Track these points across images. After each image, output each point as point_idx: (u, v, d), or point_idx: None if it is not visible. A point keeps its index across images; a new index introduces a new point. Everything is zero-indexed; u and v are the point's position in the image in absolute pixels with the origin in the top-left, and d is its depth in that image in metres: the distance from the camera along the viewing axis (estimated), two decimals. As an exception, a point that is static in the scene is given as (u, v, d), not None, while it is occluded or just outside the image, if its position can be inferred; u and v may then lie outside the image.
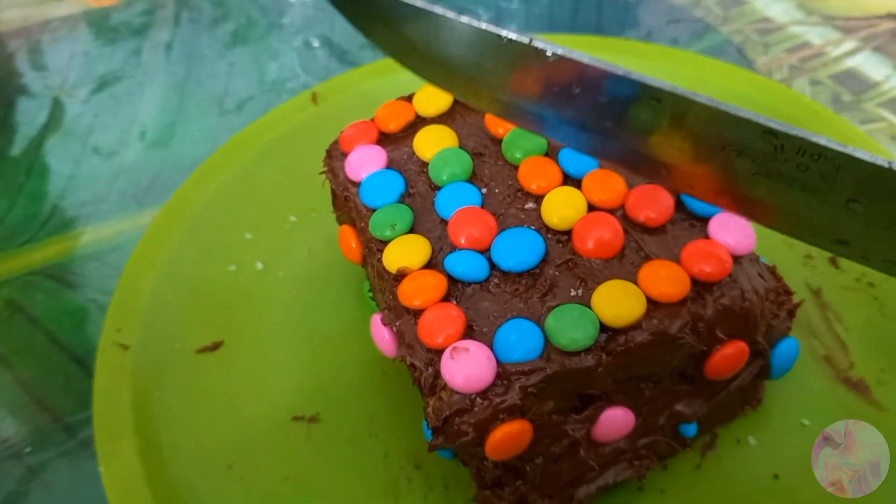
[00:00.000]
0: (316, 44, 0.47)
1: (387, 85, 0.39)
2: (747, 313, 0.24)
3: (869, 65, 0.42)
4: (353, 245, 0.28)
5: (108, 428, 0.28)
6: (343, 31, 0.47)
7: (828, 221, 0.21)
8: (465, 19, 0.22)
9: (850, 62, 0.42)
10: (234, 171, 0.36)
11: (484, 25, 0.22)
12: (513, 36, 0.22)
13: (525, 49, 0.22)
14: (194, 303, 0.32)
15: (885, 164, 0.19)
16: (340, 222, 0.30)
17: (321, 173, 0.30)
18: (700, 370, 0.25)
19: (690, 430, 0.26)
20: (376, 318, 0.26)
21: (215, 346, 0.31)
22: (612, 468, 0.26)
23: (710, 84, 0.37)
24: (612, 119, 0.22)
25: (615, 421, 0.24)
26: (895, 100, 0.40)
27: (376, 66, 0.41)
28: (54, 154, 0.42)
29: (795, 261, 0.32)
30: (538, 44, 0.21)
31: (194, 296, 0.32)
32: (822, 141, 0.20)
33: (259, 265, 0.34)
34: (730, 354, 0.24)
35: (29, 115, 0.44)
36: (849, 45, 0.43)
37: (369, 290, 0.31)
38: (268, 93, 0.44)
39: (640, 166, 0.22)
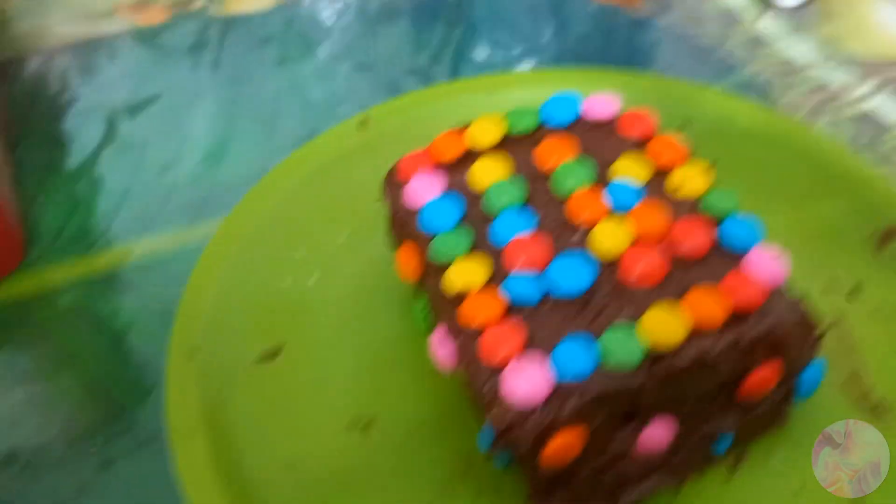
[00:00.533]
0: (359, 69, 0.49)
1: (435, 112, 0.41)
2: (781, 341, 0.26)
3: (887, 107, 0.44)
4: (412, 265, 0.30)
5: (180, 427, 0.30)
6: (385, 57, 0.50)
7: None
8: None
9: (870, 104, 0.45)
10: (285, 192, 0.38)
11: None
12: None
13: None
14: (253, 314, 0.34)
15: None
16: (396, 245, 0.32)
17: (378, 201, 0.32)
18: (735, 391, 0.27)
19: (724, 445, 0.28)
20: (436, 335, 0.28)
21: (274, 355, 0.33)
22: (651, 478, 0.28)
23: (735, 122, 0.40)
24: None
25: (656, 435, 0.27)
26: (910, 142, 0.43)
27: (423, 93, 0.43)
28: (109, 168, 0.44)
29: (817, 291, 0.35)
30: None
31: (253, 308, 0.34)
32: None
33: (312, 281, 0.36)
34: (763, 378, 0.27)
35: (82, 130, 0.46)
36: (867, 87, 0.46)
37: (423, 309, 0.33)
38: (315, 116, 0.46)
39: None
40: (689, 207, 0.29)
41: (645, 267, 0.27)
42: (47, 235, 0.41)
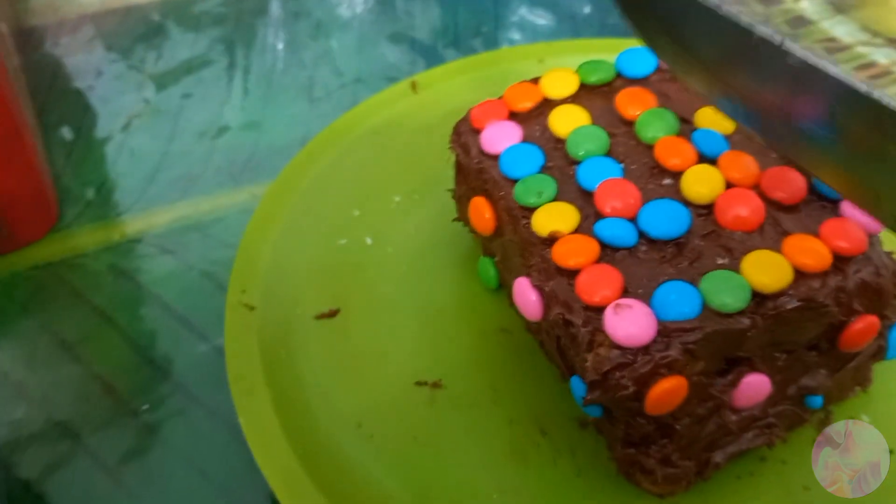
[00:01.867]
0: (396, 41, 0.48)
1: (481, 77, 0.40)
2: (881, 289, 0.25)
3: (937, 83, 0.44)
4: (487, 216, 0.29)
5: (243, 382, 0.28)
6: (423, 29, 0.49)
7: None
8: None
9: (919, 80, 0.44)
10: (339, 151, 0.37)
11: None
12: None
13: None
14: (310, 272, 0.33)
15: None
16: (466, 196, 0.31)
17: (449, 147, 0.31)
18: (834, 342, 0.26)
19: (816, 401, 0.27)
20: (521, 282, 0.27)
21: (333, 314, 0.32)
22: (746, 435, 0.27)
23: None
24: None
25: (754, 387, 0.25)
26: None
27: (468, 60, 0.42)
28: (144, 134, 0.43)
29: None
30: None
31: (309, 265, 0.33)
32: None
33: (368, 240, 0.34)
34: (864, 328, 0.26)
35: (113, 97, 0.44)
36: (915, 64, 0.45)
37: (490, 264, 0.31)
38: (355, 83, 0.45)
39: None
40: (778, 157, 0.28)
41: (742, 210, 0.26)
42: (80, 199, 0.39)
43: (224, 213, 0.38)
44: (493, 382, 0.30)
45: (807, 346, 0.26)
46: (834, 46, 0.51)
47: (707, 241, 0.26)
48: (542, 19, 0.49)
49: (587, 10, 0.50)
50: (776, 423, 0.27)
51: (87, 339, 0.34)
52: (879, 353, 0.28)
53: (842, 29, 0.54)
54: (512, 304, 0.30)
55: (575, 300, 0.24)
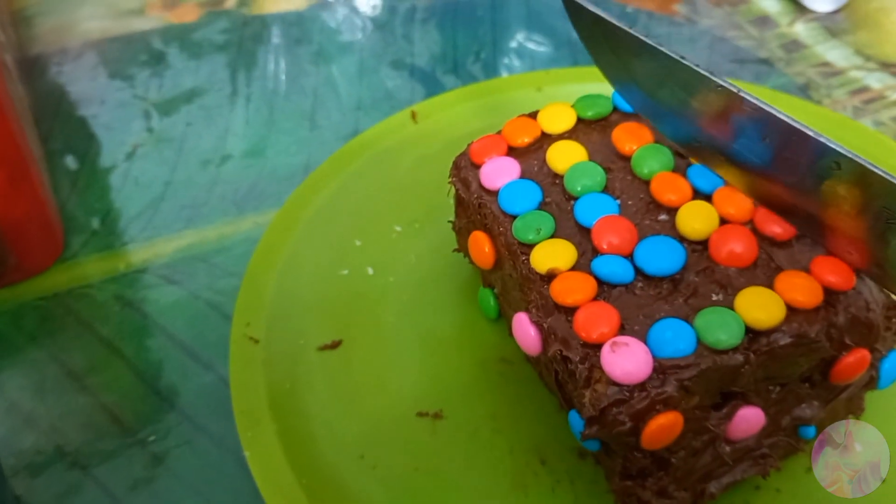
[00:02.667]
0: (396, 68, 0.49)
1: (479, 107, 0.41)
2: (871, 323, 0.26)
3: (928, 109, 0.45)
4: (486, 250, 0.30)
5: (248, 415, 0.29)
6: (422, 56, 0.49)
7: None
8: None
9: (911, 106, 0.45)
10: (340, 182, 0.38)
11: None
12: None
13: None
14: (313, 303, 0.34)
15: None
16: (466, 230, 0.31)
17: (449, 182, 0.32)
18: (826, 375, 0.26)
19: (810, 432, 0.28)
20: (521, 318, 0.27)
21: (335, 345, 0.32)
22: (740, 465, 0.27)
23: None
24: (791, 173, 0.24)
25: (748, 419, 0.26)
26: (956, 142, 0.43)
27: (467, 90, 0.43)
28: (147, 162, 0.43)
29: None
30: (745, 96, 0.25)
31: (312, 296, 0.34)
32: None
33: (370, 270, 0.35)
34: (855, 361, 0.26)
35: (117, 125, 0.45)
36: (907, 89, 0.46)
37: (491, 296, 0.32)
38: (356, 110, 0.46)
39: (803, 221, 0.25)
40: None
41: (736, 247, 0.26)
42: (86, 228, 0.40)
43: (228, 242, 0.39)
44: (494, 412, 0.31)
45: (800, 378, 0.27)
46: (828, 71, 0.52)
47: (702, 276, 0.26)
48: (540, 46, 0.50)
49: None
50: (770, 454, 0.27)
51: (94, 369, 0.34)
52: (871, 384, 0.29)
53: (836, 53, 0.55)
54: (512, 335, 0.30)
55: (573, 337, 0.25)
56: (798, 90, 0.46)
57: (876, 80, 0.47)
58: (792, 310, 0.25)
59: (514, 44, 0.51)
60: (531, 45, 0.50)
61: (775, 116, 0.25)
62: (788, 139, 0.25)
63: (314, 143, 0.44)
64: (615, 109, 0.32)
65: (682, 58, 0.27)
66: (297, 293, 0.34)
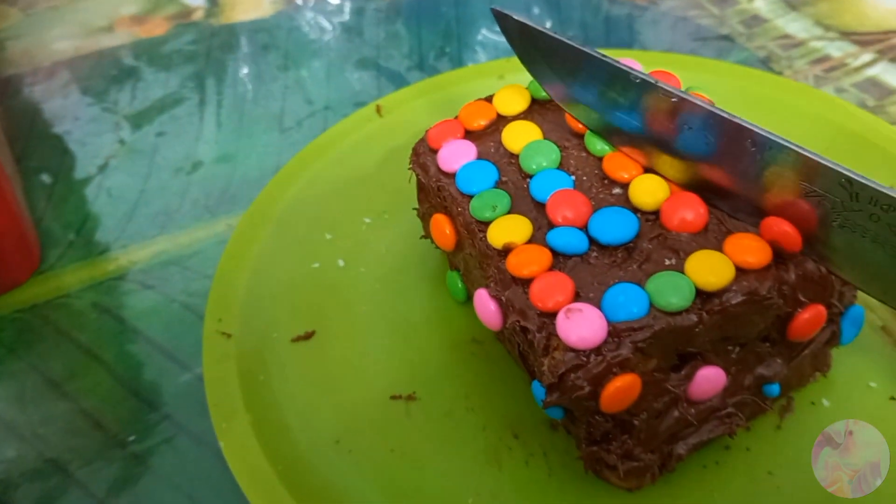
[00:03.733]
0: (362, 68, 0.49)
1: (443, 98, 0.42)
2: (824, 279, 0.26)
3: (888, 73, 0.45)
4: (447, 232, 0.30)
5: (222, 407, 0.29)
6: (388, 55, 0.50)
7: (872, 264, 0.24)
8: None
9: (870, 72, 0.45)
10: (309, 177, 0.38)
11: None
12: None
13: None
14: (285, 296, 0.34)
15: None
16: (428, 214, 0.32)
17: (409, 168, 0.32)
18: (784, 333, 0.27)
19: (773, 390, 0.28)
20: (481, 293, 0.28)
21: (308, 336, 0.33)
22: (706, 426, 0.28)
23: (752, 93, 0.40)
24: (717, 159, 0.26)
25: (708, 379, 0.26)
26: (916, 104, 0.44)
27: (430, 81, 0.43)
28: (122, 172, 0.44)
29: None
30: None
31: (284, 290, 0.34)
32: (893, 193, 0.23)
33: (341, 262, 0.36)
34: (811, 317, 0.27)
35: (90, 139, 0.46)
36: (867, 56, 0.47)
37: (459, 278, 0.33)
38: (325, 111, 0.46)
39: (736, 205, 0.26)
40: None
41: (687, 214, 0.27)
42: (62, 241, 0.40)
43: (202, 245, 0.39)
44: (466, 391, 0.31)
45: (758, 337, 0.27)
46: (789, 42, 0.53)
47: (655, 243, 0.27)
48: (504, 37, 0.50)
49: (548, 24, 0.52)
50: (735, 413, 0.28)
51: (74, 375, 0.35)
52: (833, 339, 0.29)
53: (796, 25, 0.55)
54: (478, 315, 0.31)
55: (529, 307, 0.26)
56: (759, 63, 0.47)
57: (836, 49, 0.48)
58: (742, 270, 0.26)
59: (479, 37, 0.51)
60: (495, 37, 0.51)
61: (711, 113, 0.26)
62: (726, 132, 0.26)
63: (284, 145, 0.44)
64: None
65: (607, 58, 0.29)
66: (269, 288, 0.34)
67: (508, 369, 0.31)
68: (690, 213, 0.27)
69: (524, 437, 0.30)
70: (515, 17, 0.31)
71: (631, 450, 0.26)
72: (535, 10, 0.53)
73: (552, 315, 0.25)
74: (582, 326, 0.24)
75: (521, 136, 0.30)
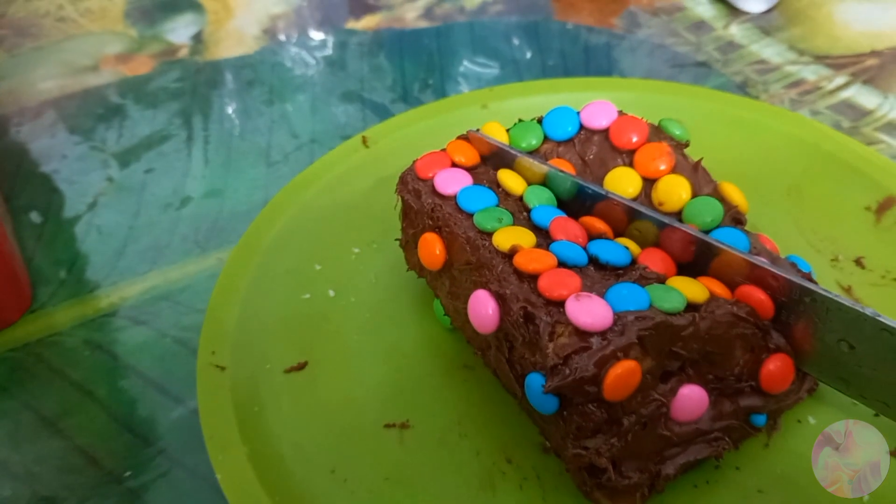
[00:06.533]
0: (347, 101, 0.50)
1: (428, 128, 0.43)
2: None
3: (861, 95, 0.46)
4: (437, 251, 0.31)
5: (217, 440, 0.30)
6: (372, 87, 0.51)
7: (828, 359, 0.27)
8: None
9: (845, 94, 0.47)
10: (298, 208, 0.39)
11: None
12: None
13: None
14: (277, 328, 0.34)
15: (867, 312, 0.25)
16: (414, 238, 0.32)
17: (396, 192, 0.33)
18: (757, 381, 0.28)
19: (760, 420, 0.29)
20: (478, 294, 0.28)
21: (301, 366, 0.33)
22: (693, 447, 0.28)
23: (729, 116, 0.41)
24: None
25: (691, 398, 0.27)
26: (889, 124, 0.45)
27: (415, 112, 0.44)
28: (111, 209, 0.44)
29: (824, 263, 0.36)
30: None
31: (276, 322, 0.35)
32: (813, 286, 0.26)
33: (331, 292, 0.36)
34: (779, 366, 0.28)
35: (78, 178, 0.46)
36: (840, 79, 0.48)
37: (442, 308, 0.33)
38: (311, 143, 0.47)
39: None
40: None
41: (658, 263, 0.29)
42: (53, 280, 0.40)
43: (192, 279, 0.40)
44: (459, 417, 0.31)
45: (737, 377, 0.28)
46: (764, 67, 0.54)
47: (647, 271, 0.28)
48: (486, 68, 0.52)
49: (528, 55, 0.53)
50: (722, 437, 0.28)
51: (67, 413, 0.35)
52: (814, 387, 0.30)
53: (770, 50, 0.56)
54: (469, 342, 0.31)
55: (537, 297, 0.26)
56: (736, 88, 0.48)
57: (811, 73, 0.49)
58: (713, 295, 0.27)
59: (461, 68, 0.52)
60: (477, 68, 0.52)
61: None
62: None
63: (271, 178, 0.45)
64: (546, 138, 0.33)
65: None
66: (260, 320, 0.34)
67: (499, 394, 0.32)
68: (660, 266, 0.29)
69: (517, 461, 0.30)
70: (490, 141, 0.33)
71: (618, 456, 0.27)
72: (515, 41, 0.54)
73: (559, 304, 0.26)
74: (591, 311, 0.25)
75: (516, 182, 0.32)
